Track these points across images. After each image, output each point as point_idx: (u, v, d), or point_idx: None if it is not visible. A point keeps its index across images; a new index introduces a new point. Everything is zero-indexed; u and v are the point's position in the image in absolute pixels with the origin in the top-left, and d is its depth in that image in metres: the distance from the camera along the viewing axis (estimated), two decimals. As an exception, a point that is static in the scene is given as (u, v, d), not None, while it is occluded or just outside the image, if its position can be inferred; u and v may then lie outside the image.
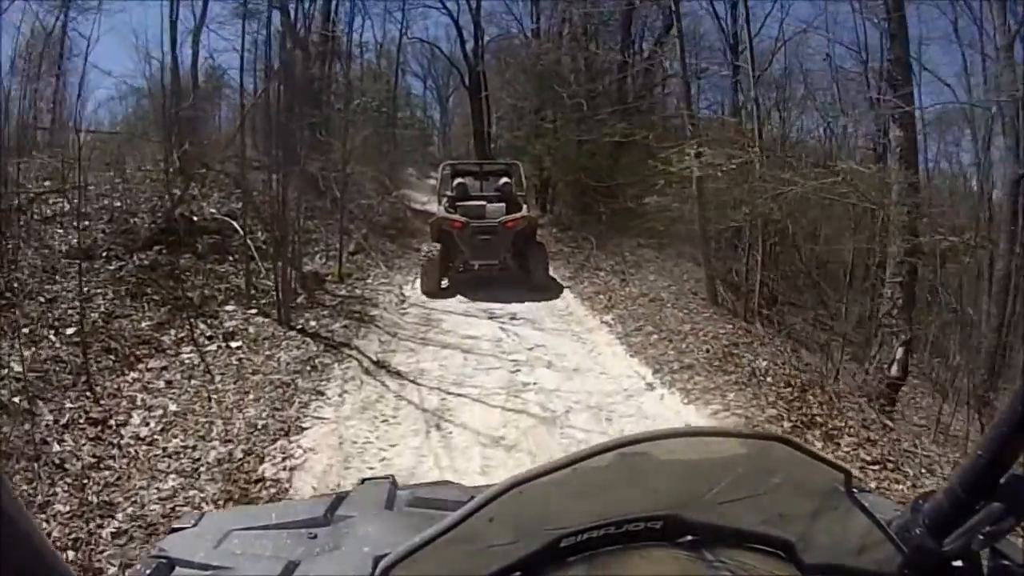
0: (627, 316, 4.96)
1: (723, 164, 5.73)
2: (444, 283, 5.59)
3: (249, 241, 4.96)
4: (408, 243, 8.48)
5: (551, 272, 6.11)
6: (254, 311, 4.51)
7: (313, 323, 4.50)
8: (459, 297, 5.49)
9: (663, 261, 7.46)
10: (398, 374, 3.59)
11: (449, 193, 5.95)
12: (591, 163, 8.70)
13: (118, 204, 5.66)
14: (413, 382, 3.46)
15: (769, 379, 3.65)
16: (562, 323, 4.81)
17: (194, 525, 0.56)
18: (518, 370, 3.69)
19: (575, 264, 7.40)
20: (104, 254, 4.72)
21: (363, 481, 0.65)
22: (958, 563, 0.44)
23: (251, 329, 4.20)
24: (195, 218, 5.65)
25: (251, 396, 3.18)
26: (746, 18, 7.20)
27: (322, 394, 3.25)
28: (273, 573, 0.48)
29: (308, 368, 3.57)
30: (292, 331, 4.19)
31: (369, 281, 6.09)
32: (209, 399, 3.13)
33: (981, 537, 0.43)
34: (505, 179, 6.09)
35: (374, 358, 3.84)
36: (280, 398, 3.15)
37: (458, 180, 6.12)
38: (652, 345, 4.18)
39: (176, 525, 0.56)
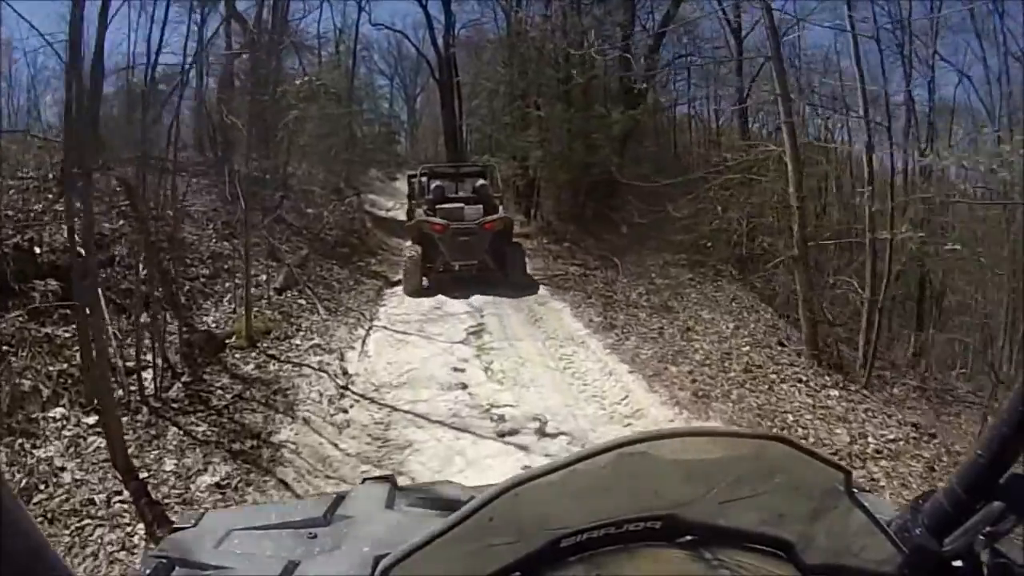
0: (737, 415, 4.52)
1: None
2: (425, 283, 7.53)
3: (101, 288, 4.16)
4: (365, 267, 8.55)
5: (553, 293, 7.57)
6: (93, 420, 3.68)
7: (171, 466, 3.53)
8: (439, 381, 4.89)
9: (701, 284, 7.81)
10: None
11: (428, 196, 7.98)
12: (594, 158, 9.40)
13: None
14: None
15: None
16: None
17: (194, 525, 0.76)
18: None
19: (598, 295, 7.36)
20: None
21: (363, 481, 0.87)
22: (958, 563, 0.62)
23: (68, 473, 3.32)
24: (38, 250, 5.04)
25: None
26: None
27: None
28: (273, 573, 0.67)
29: None
30: (126, 490, 3.28)
31: (296, 342, 5.63)
32: None
33: (981, 537, 0.61)
34: (481, 181, 8.38)
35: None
36: None
37: (435, 183, 8.24)
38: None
39: (176, 525, 0.77)
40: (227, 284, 6.28)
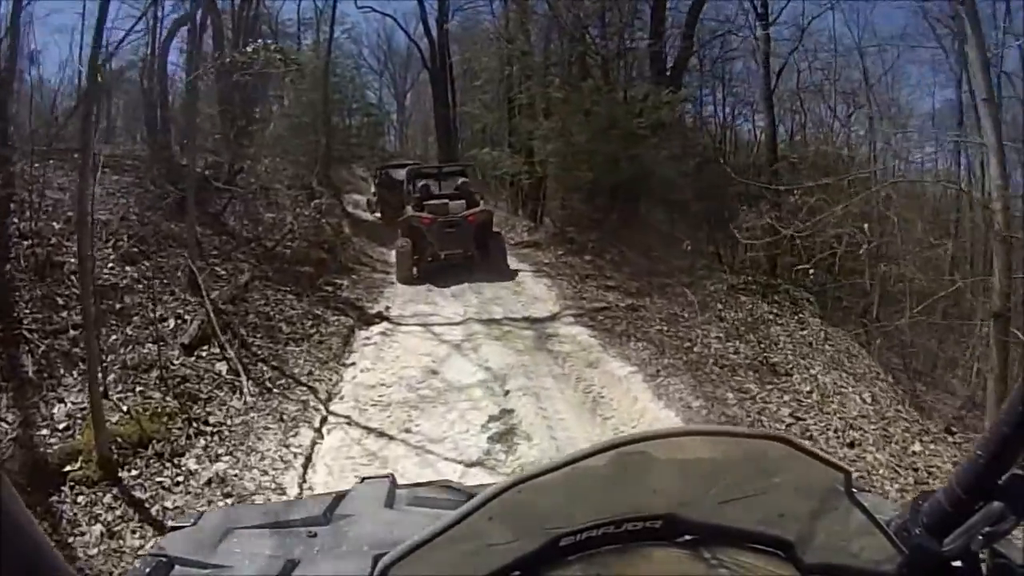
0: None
1: None
2: (414, 271, 10.16)
3: None
4: (332, 293, 8.26)
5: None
6: None
7: None
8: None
9: (780, 317, 7.75)
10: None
11: (415, 194, 10.93)
12: (633, 151, 9.95)
13: None
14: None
15: None
16: None
17: (193, 524, 0.96)
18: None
19: (672, 348, 6.50)
20: None
21: (363, 480, 1.06)
22: (958, 563, 0.78)
23: None
24: None
25: None
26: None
27: None
28: (272, 572, 0.85)
29: None
30: None
31: (190, 466, 4.36)
32: None
33: (981, 537, 0.77)
34: (463, 179, 11.45)
35: None
36: None
37: (421, 182, 11.36)
38: None
39: (175, 524, 0.96)
40: (114, 337, 5.28)
